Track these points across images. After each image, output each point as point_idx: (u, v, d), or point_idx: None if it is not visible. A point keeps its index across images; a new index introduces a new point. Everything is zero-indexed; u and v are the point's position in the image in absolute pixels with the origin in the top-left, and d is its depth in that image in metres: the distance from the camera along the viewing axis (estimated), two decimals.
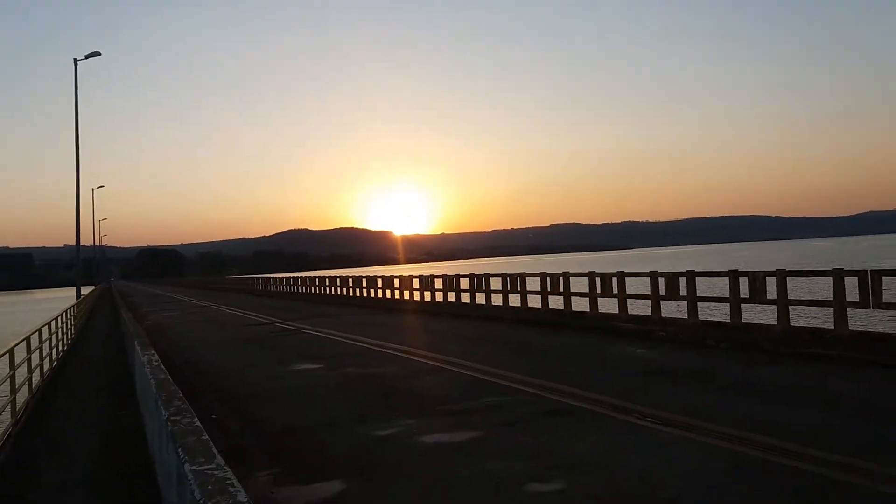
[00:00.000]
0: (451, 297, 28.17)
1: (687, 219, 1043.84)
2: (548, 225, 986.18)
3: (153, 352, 9.16)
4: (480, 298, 26.05)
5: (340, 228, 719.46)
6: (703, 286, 17.30)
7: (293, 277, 54.71)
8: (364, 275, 44.27)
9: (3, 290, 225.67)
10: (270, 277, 65.03)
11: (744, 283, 15.24)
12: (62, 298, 76.48)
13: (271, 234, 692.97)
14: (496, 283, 25.11)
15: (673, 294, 16.95)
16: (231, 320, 29.56)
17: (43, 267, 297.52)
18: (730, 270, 15.62)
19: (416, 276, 32.00)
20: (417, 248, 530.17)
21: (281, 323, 25.81)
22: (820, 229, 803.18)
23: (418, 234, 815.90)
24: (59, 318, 19.22)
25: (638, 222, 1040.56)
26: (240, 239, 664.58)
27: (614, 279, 18.93)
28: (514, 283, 23.71)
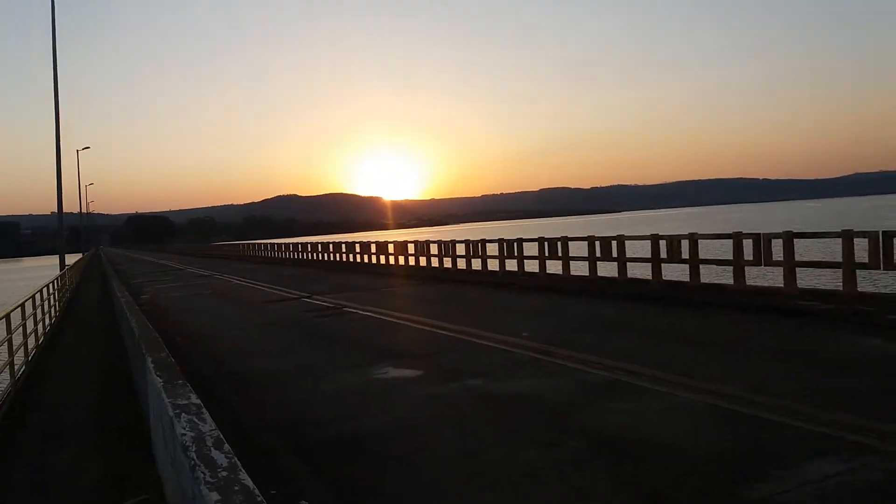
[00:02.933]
0: (509, 265, 23.35)
1: (676, 182, 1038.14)
2: (537, 189, 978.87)
3: (198, 401, 4.28)
4: (552, 267, 21.35)
5: (329, 194, 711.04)
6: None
7: (295, 243, 50.15)
8: (364, 240, 40.40)
9: None
10: (265, 243, 60.40)
11: None
12: (49, 266, 71.34)
13: (260, 200, 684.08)
14: (576, 249, 20.36)
15: (874, 262, 12.13)
16: (246, 295, 24.70)
17: (32, 235, 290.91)
18: None
19: (460, 242, 27.15)
20: (407, 214, 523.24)
21: (309, 298, 20.97)
22: (807, 191, 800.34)
23: (408, 200, 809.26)
24: (31, 302, 14.36)
25: (627, 185, 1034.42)
26: (228, 205, 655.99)
27: (777, 241, 14.11)
28: (606, 247, 18.92)
